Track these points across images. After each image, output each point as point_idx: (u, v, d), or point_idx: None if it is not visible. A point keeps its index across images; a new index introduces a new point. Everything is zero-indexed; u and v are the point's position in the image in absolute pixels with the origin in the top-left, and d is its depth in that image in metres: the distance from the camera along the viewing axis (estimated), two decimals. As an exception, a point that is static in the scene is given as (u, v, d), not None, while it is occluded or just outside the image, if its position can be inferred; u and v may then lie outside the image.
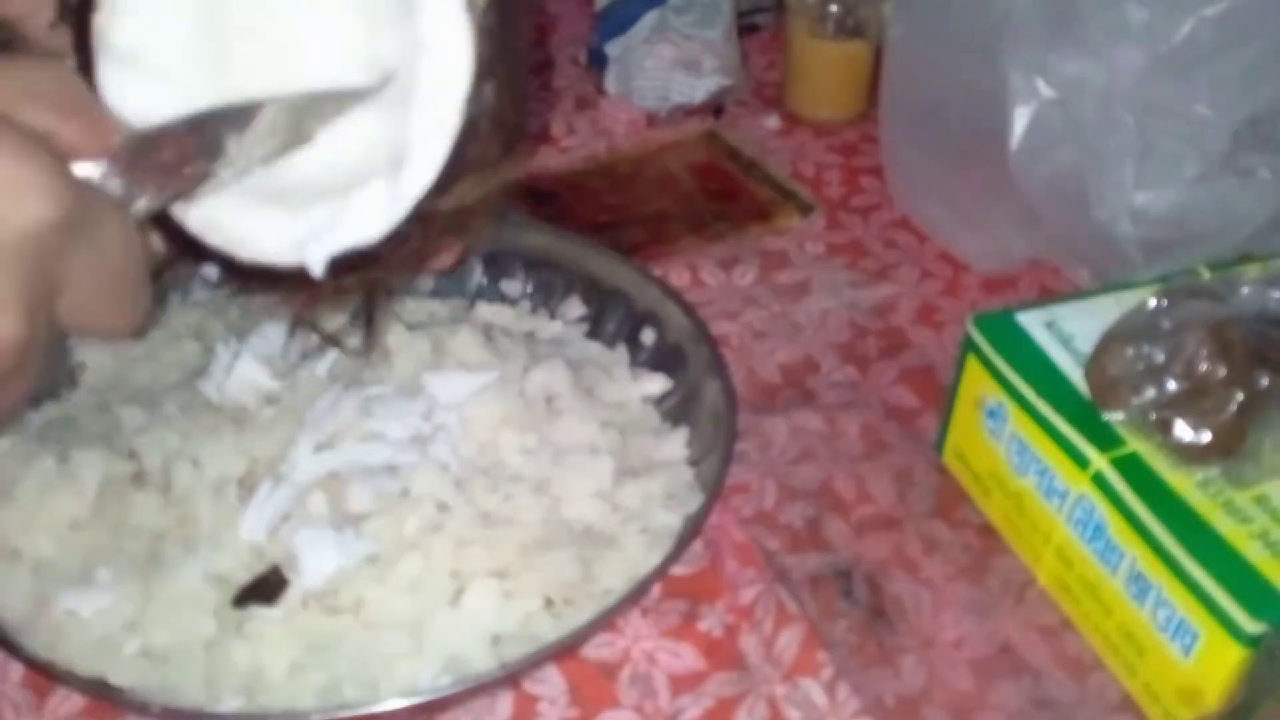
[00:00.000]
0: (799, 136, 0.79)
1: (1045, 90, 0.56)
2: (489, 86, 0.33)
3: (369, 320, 0.41)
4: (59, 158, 0.30)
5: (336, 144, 0.35)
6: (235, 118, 0.33)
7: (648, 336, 0.58)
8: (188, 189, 0.33)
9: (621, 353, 0.57)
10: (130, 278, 0.32)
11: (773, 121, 0.80)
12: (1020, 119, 0.57)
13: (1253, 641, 0.40)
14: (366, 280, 0.36)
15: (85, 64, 0.34)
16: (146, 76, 0.34)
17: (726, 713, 0.45)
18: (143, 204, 0.32)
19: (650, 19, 0.79)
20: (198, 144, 0.33)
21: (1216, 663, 0.41)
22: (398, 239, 0.34)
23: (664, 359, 0.56)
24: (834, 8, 0.76)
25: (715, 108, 0.80)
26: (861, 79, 0.79)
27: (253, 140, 0.33)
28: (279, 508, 0.46)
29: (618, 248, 0.61)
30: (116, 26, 0.34)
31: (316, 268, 0.34)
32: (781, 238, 0.70)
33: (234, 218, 0.35)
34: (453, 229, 0.36)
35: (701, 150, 0.77)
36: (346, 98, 0.34)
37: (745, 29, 0.85)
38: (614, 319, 0.59)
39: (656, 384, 0.55)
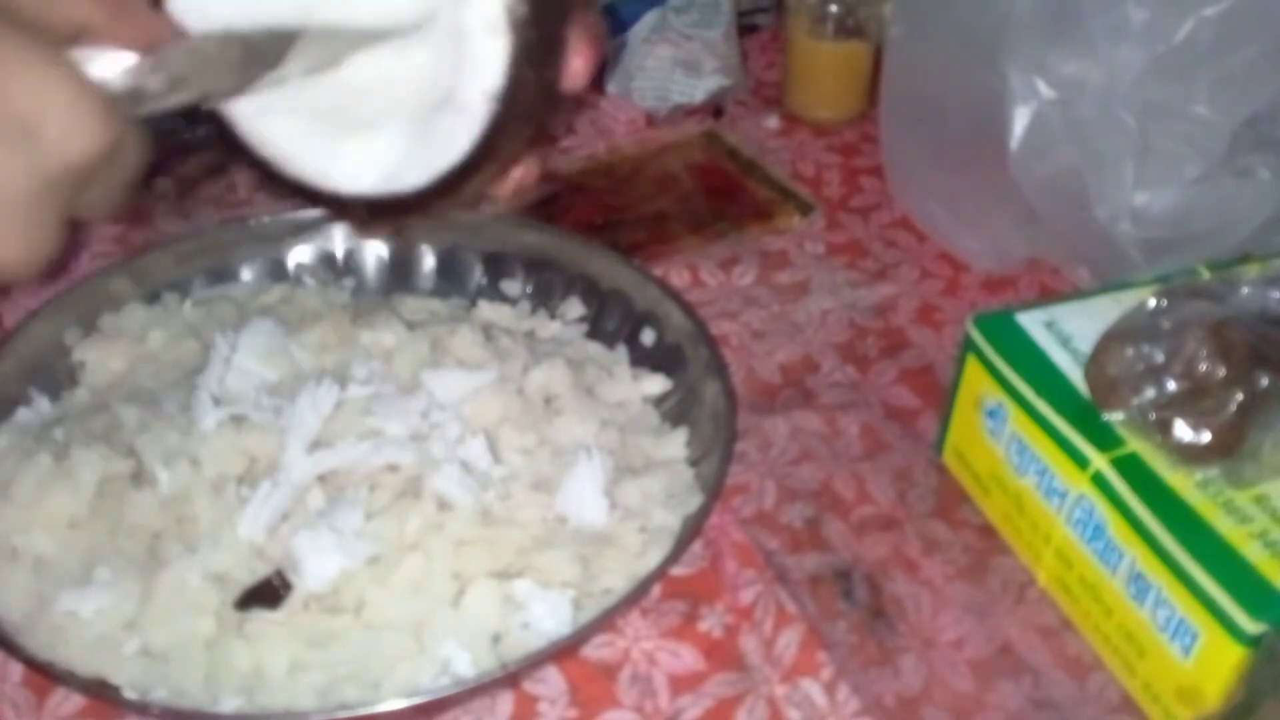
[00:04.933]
0: (799, 136, 0.79)
1: (1045, 90, 0.56)
2: (532, 48, 0.33)
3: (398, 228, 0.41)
4: (108, 91, 0.31)
5: (390, 79, 0.35)
6: (272, 42, 0.34)
7: (648, 336, 0.58)
8: (216, 98, 0.35)
9: (621, 353, 0.57)
10: (130, 182, 0.34)
11: (772, 121, 0.80)
12: (1020, 119, 0.57)
13: (1253, 641, 0.40)
14: (396, 220, 0.38)
15: None
16: None
17: (726, 713, 0.45)
18: (171, 102, 0.33)
19: (650, 19, 0.79)
20: (232, 57, 0.34)
21: (1216, 663, 0.41)
22: (434, 192, 0.35)
23: (664, 359, 0.56)
24: (834, 8, 0.76)
25: (715, 108, 0.80)
26: (861, 79, 0.79)
27: (285, 65, 0.34)
28: (278, 507, 0.46)
29: (618, 248, 0.61)
30: None
31: (351, 205, 0.36)
32: (781, 238, 0.70)
33: (283, 136, 0.36)
34: (490, 178, 0.37)
35: (701, 150, 0.77)
36: (382, 35, 0.35)
37: (745, 29, 0.85)
38: (614, 319, 0.59)
39: (656, 384, 0.55)
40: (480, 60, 0.33)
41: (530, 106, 0.34)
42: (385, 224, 0.37)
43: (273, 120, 0.36)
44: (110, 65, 0.31)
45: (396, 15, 0.34)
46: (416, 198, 0.35)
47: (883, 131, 0.71)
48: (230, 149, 0.37)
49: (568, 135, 0.78)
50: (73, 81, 0.30)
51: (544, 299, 0.60)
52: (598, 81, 0.81)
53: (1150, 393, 0.45)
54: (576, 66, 0.35)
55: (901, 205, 0.72)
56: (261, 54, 0.34)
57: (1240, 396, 0.44)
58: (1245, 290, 0.47)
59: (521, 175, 0.38)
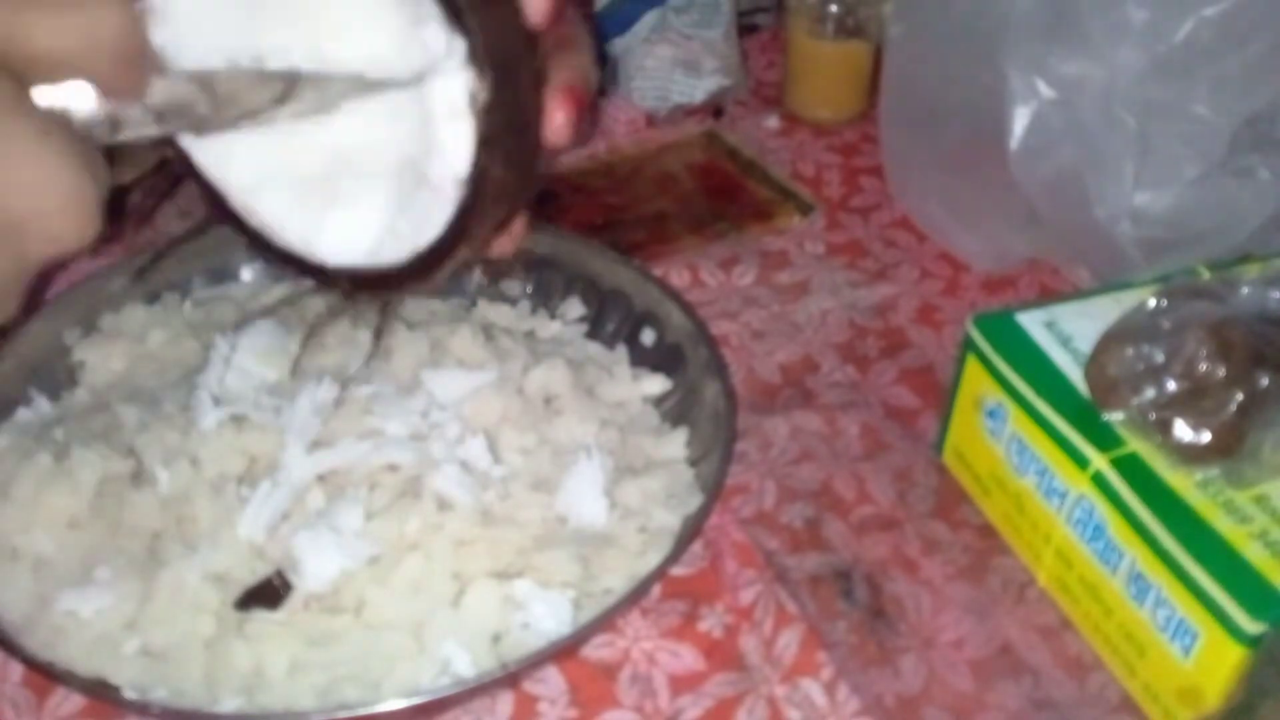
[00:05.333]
0: (799, 136, 0.79)
1: (1045, 90, 0.56)
2: (497, 156, 0.33)
3: (378, 326, 0.41)
4: (103, 181, 0.30)
5: (375, 148, 0.35)
6: (255, 86, 0.33)
7: (648, 336, 0.58)
8: (194, 131, 0.34)
9: (621, 353, 0.57)
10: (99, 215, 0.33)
11: (773, 121, 0.80)
12: (1020, 119, 0.57)
13: (1253, 641, 0.40)
14: (378, 295, 0.37)
15: None
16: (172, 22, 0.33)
17: (726, 713, 0.45)
18: (146, 133, 0.32)
19: (650, 19, 0.79)
20: (212, 97, 0.33)
21: (1216, 663, 0.41)
22: (412, 272, 0.35)
23: (664, 359, 0.56)
24: (834, 8, 0.76)
25: (715, 108, 0.80)
26: (861, 79, 0.79)
27: (268, 110, 0.33)
28: (278, 507, 0.46)
29: (618, 248, 0.61)
30: None
31: (335, 277, 0.35)
32: (781, 238, 0.70)
33: (271, 208, 0.36)
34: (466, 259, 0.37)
35: (701, 150, 0.77)
36: (373, 86, 0.34)
37: (745, 29, 0.85)
38: (614, 319, 0.59)
39: (656, 384, 0.55)
40: (447, 144, 0.32)
41: (502, 184, 0.33)
42: (368, 298, 0.37)
43: (262, 193, 0.36)
44: (86, 98, 0.31)
45: (386, 68, 0.34)
46: (395, 275, 0.35)
47: (883, 131, 0.70)
48: (222, 218, 0.37)
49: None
50: (70, 172, 0.29)
51: (544, 299, 0.60)
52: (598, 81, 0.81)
53: (1150, 393, 0.45)
54: (558, 122, 0.34)
55: (901, 205, 0.72)
56: (243, 96, 0.33)
57: (1240, 396, 0.44)
58: (1245, 290, 0.47)
59: (514, 231, 0.37)
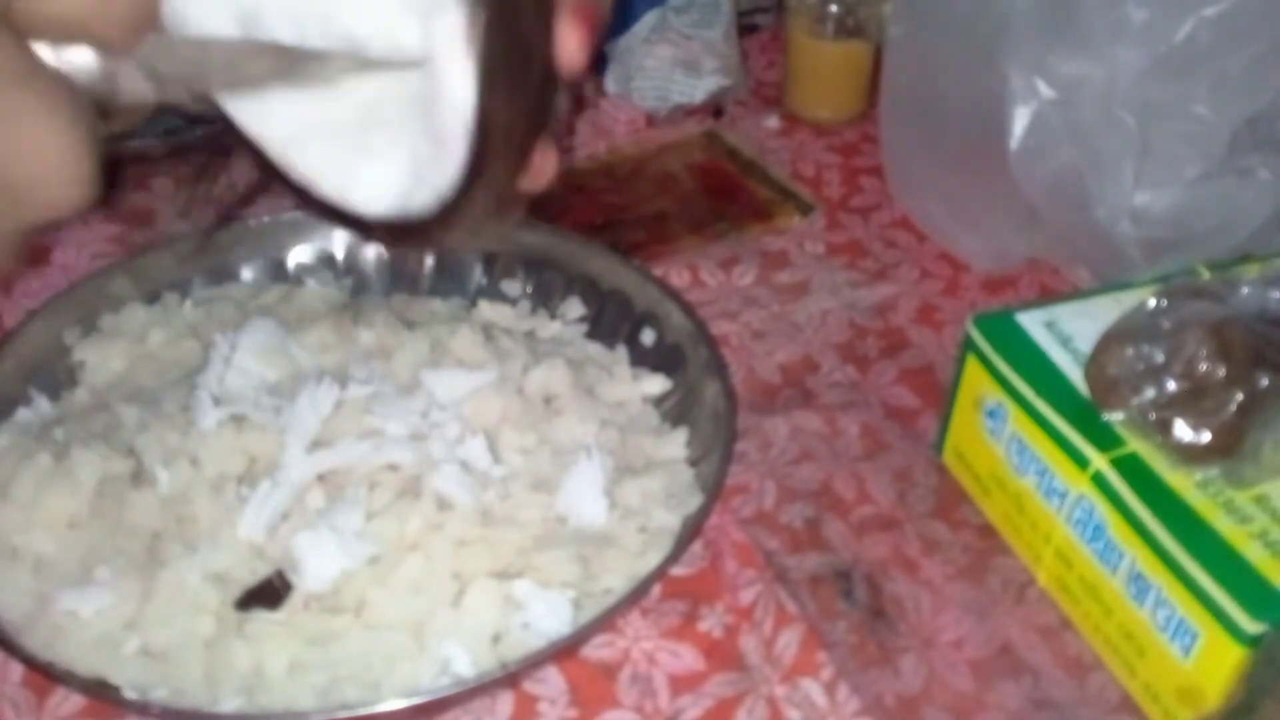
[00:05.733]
0: (799, 136, 0.79)
1: (1045, 90, 0.56)
2: (501, 91, 0.32)
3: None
4: (95, 136, 0.31)
5: (405, 100, 0.35)
6: (254, 55, 0.33)
7: (648, 336, 0.58)
8: (197, 97, 0.34)
9: (621, 353, 0.57)
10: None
11: (773, 121, 0.80)
12: (1020, 119, 0.57)
13: (1252, 641, 0.40)
14: (412, 244, 0.37)
15: None
16: None
17: (726, 713, 0.45)
18: (146, 96, 0.32)
19: (650, 19, 0.79)
20: (214, 61, 0.33)
21: (1216, 663, 0.41)
22: (439, 217, 0.35)
23: (664, 359, 0.56)
24: (834, 8, 0.76)
25: (715, 108, 0.80)
26: (861, 79, 0.79)
27: (267, 80, 0.34)
28: (278, 507, 0.46)
29: (618, 248, 0.61)
30: None
31: (369, 224, 0.36)
32: (781, 238, 0.70)
33: (309, 161, 0.36)
34: (490, 210, 0.36)
35: (701, 150, 0.77)
36: (370, 64, 0.34)
37: (745, 29, 0.85)
38: (614, 319, 0.59)
39: (656, 384, 0.55)
40: (453, 86, 0.31)
41: (510, 120, 0.33)
42: (409, 244, 0.37)
43: (300, 146, 0.36)
44: (85, 56, 0.31)
45: (396, 43, 0.34)
46: (424, 223, 0.35)
47: (883, 131, 0.71)
48: (266, 173, 0.37)
49: (568, 135, 0.78)
50: (73, 141, 0.29)
51: (544, 299, 0.60)
52: (598, 81, 0.81)
53: (1150, 393, 0.45)
54: (570, 47, 0.33)
55: (901, 205, 0.72)
56: (242, 66, 0.34)
57: (1240, 396, 0.44)
58: (1245, 290, 0.47)
59: (540, 164, 0.37)
